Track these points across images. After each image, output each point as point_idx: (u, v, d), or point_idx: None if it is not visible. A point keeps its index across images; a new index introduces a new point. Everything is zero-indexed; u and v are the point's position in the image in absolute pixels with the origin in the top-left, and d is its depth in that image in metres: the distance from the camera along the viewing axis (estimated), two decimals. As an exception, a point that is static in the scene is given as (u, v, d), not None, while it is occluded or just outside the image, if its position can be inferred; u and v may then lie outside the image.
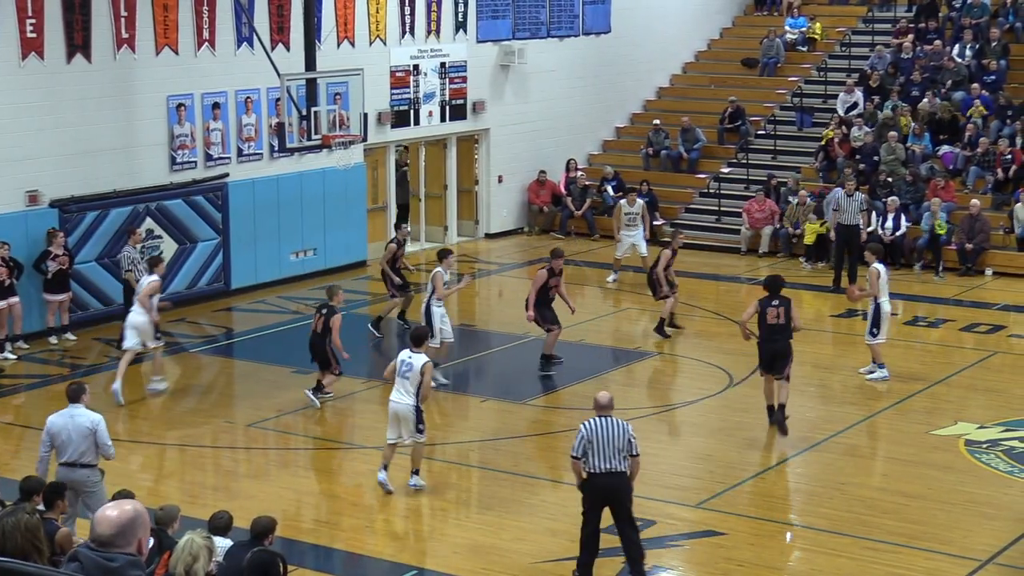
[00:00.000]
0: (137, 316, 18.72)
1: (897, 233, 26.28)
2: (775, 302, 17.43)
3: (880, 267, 19.46)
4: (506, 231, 29.91)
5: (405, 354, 15.36)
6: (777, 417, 17.25)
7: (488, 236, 29.62)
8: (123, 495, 10.80)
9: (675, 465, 16.31)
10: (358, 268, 26.39)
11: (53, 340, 21.35)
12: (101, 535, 5.69)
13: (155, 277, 18.94)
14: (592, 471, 12.69)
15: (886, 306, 19.34)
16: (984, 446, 16.73)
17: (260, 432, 17.60)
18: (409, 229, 24.60)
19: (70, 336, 21.58)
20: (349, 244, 26.32)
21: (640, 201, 25.80)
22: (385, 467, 15.45)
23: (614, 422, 12.74)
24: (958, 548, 13.84)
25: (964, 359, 20.75)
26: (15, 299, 20.55)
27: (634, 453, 12.78)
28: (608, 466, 12.64)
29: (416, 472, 15.51)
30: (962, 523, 14.48)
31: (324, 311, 18.12)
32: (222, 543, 10.87)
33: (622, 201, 25.89)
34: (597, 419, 12.76)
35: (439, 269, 19.35)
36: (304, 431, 17.77)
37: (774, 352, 17.34)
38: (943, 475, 15.80)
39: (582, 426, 12.80)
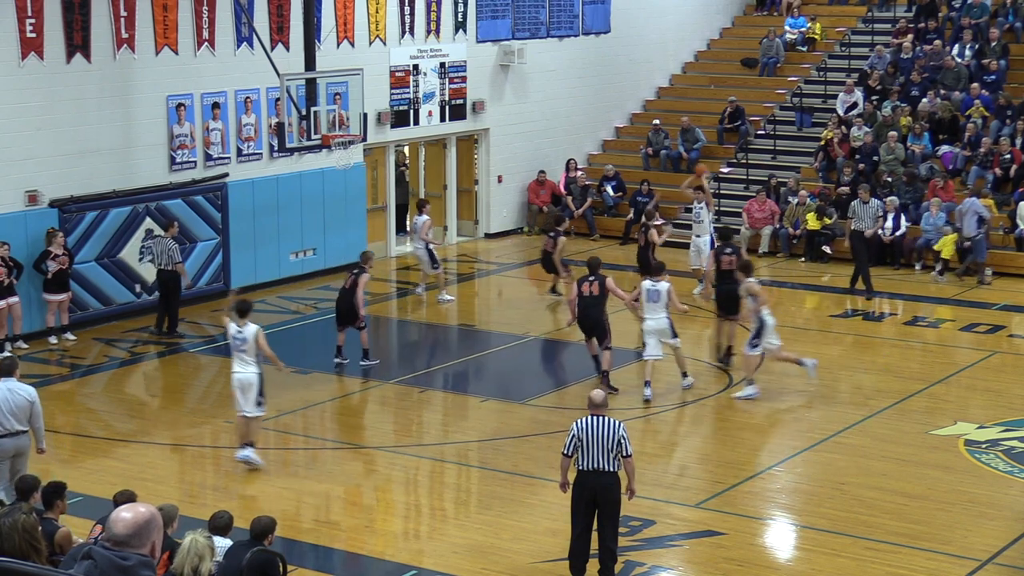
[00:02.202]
0: (417, 247, 24.35)
1: (897, 233, 26.28)
2: (728, 250, 19.88)
3: (753, 281, 18.92)
4: (506, 231, 29.91)
5: (234, 328, 15.92)
6: (724, 357, 19.65)
7: (488, 236, 29.62)
8: (125, 496, 10.81)
9: (675, 465, 16.31)
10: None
11: (53, 340, 21.35)
12: (117, 535, 5.78)
13: (426, 217, 24.16)
14: (581, 469, 12.67)
15: (770, 318, 18.65)
16: (984, 446, 16.73)
17: (260, 432, 17.57)
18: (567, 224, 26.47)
19: (70, 336, 21.59)
20: (349, 244, 26.27)
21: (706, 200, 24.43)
22: (249, 444, 16.00)
23: (606, 421, 12.67)
24: (958, 548, 13.84)
25: (964, 359, 20.75)
26: (15, 299, 20.55)
27: (625, 454, 12.67)
28: (596, 465, 12.58)
29: (251, 445, 15.96)
30: (962, 523, 14.48)
31: (355, 271, 19.95)
32: (222, 543, 10.88)
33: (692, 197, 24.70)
34: (589, 418, 12.71)
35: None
36: (304, 431, 17.78)
37: (727, 294, 19.49)
38: (943, 475, 15.80)
39: (574, 424, 12.77)
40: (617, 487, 12.74)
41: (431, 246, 24.12)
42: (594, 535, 12.91)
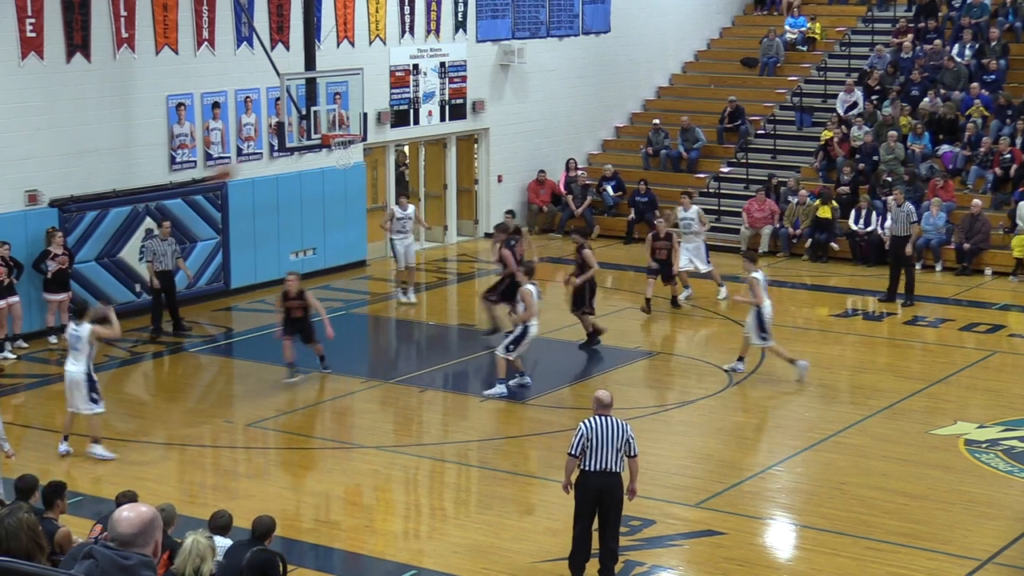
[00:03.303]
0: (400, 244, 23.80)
1: (897, 233, 26.29)
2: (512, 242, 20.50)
3: (530, 287, 18.70)
4: (506, 231, 29.87)
5: (71, 326, 16.32)
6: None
7: (488, 236, 29.60)
8: (126, 496, 10.82)
9: (675, 465, 16.30)
10: (357, 268, 26.39)
11: (53, 340, 21.34)
12: (122, 535, 5.79)
13: (390, 207, 24.25)
14: (587, 470, 12.63)
15: (534, 328, 18.56)
16: (984, 446, 16.73)
17: (260, 432, 17.60)
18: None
19: (70, 336, 21.57)
20: (348, 244, 26.31)
21: (696, 207, 24.29)
22: (66, 437, 16.41)
23: (614, 421, 12.68)
24: (958, 548, 13.84)
25: (964, 359, 20.74)
26: (15, 299, 20.55)
27: (632, 454, 12.71)
28: (604, 466, 12.58)
29: (97, 442, 16.33)
30: (962, 523, 14.48)
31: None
32: (222, 542, 10.89)
33: (678, 207, 24.41)
34: (597, 418, 12.69)
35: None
36: (304, 431, 17.78)
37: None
38: (943, 475, 15.80)
39: (582, 425, 12.71)
40: (621, 487, 12.75)
41: (392, 237, 23.89)
42: (593, 534, 12.91)
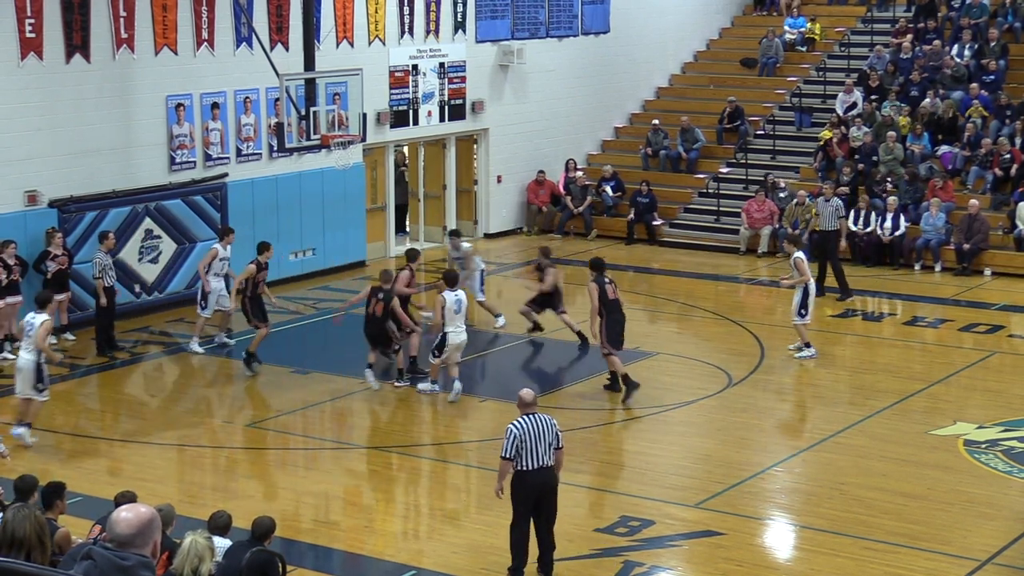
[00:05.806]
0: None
1: (896, 233, 26.30)
2: (607, 280, 18.62)
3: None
4: (505, 231, 29.91)
5: (31, 315, 16.73)
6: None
7: (487, 236, 29.62)
8: (125, 496, 10.82)
9: (675, 465, 16.31)
10: (357, 268, 26.38)
11: (53, 340, 21.28)
12: (120, 535, 5.80)
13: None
14: (524, 470, 12.78)
15: (457, 336, 18.35)
16: (983, 446, 16.73)
17: (259, 432, 17.59)
18: None
19: (69, 336, 21.57)
20: (348, 244, 26.31)
21: (466, 246, 22.84)
22: (26, 424, 16.60)
23: (542, 419, 12.89)
24: (957, 548, 13.84)
25: (963, 359, 20.74)
26: (18, 297, 20.53)
27: (559, 445, 12.94)
28: (540, 463, 12.78)
29: (28, 425, 16.56)
30: (961, 523, 14.48)
31: (381, 296, 18.82)
32: (221, 543, 10.89)
33: (449, 246, 23.26)
34: (525, 418, 12.84)
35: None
36: (304, 431, 17.78)
37: (623, 324, 18.59)
38: (942, 475, 15.80)
39: (512, 427, 12.80)
40: (554, 478, 13.00)
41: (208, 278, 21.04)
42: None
